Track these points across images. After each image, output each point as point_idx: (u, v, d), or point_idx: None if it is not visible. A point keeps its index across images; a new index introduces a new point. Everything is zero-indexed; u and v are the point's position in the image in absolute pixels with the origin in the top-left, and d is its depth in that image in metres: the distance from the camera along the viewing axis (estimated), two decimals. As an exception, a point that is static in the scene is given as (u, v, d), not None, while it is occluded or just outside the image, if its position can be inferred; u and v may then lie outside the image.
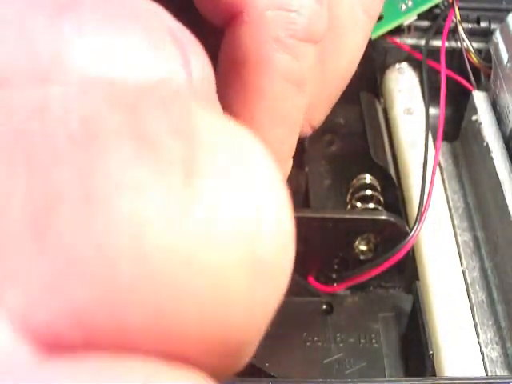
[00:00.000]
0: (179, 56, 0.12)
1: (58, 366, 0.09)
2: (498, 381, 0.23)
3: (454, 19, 0.32)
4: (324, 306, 0.28)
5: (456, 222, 0.30)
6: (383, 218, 0.27)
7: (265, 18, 0.19)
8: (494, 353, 0.26)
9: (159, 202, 0.10)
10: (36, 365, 0.09)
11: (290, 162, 0.22)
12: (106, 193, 0.09)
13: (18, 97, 0.10)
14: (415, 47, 0.33)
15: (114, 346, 0.10)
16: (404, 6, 0.32)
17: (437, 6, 0.33)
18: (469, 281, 0.28)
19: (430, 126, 0.30)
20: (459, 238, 0.29)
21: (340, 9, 0.23)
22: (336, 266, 0.28)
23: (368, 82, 0.32)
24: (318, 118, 0.25)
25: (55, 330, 0.09)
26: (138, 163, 0.10)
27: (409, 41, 0.33)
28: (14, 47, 0.11)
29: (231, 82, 0.20)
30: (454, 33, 0.33)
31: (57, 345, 0.09)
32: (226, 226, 0.10)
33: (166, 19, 0.13)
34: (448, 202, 0.30)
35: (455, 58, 0.32)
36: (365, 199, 0.29)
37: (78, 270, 0.09)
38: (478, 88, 0.32)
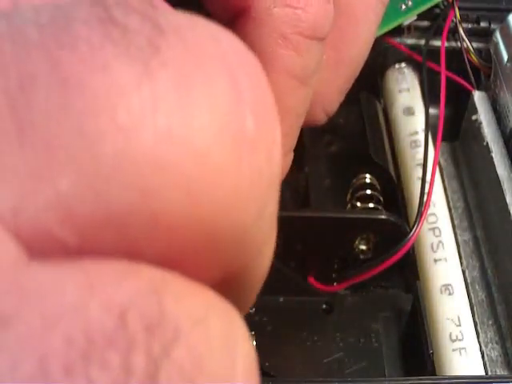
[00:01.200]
0: None
1: (48, 267, 0.09)
2: (498, 380, 0.23)
3: (454, 19, 0.32)
4: (324, 306, 0.28)
5: (456, 222, 0.30)
6: (383, 217, 0.27)
7: (271, 14, 0.19)
8: (494, 352, 0.26)
9: (131, 80, 0.09)
10: (23, 265, 0.09)
11: (292, 154, 0.22)
12: (79, 74, 0.09)
13: None
14: (415, 47, 0.33)
15: (106, 247, 0.09)
16: (404, 6, 0.32)
17: (437, 5, 0.33)
18: (469, 280, 0.28)
19: (429, 126, 0.30)
20: (459, 238, 0.29)
21: None
22: (336, 266, 0.28)
23: (368, 81, 0.32)
24: (332, 104, 0.25)
25: (44, 226, 0.09)
26: (105, 43, 0.09)
27: (409, 41, 0.33)
28: None
29: None
30: (453, 33, 0.33)
31: (49, 246, 0.09)
32: (202, 102, 0.10)
33: None
34: (448, 202, 0.30)
35: (455, 57, 0.32)
36: (365, 199, 0.29)
37: (60, 155, 0.09)
38: (478, 88, 0.32)
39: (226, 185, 0.10)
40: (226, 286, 0.11)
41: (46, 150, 0.09)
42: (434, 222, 0.28)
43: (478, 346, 0.25)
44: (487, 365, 0.25)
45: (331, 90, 0.25)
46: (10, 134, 0.09)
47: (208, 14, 0.20)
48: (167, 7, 0.12)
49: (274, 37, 0.19)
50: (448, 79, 0.31)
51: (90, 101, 0.09)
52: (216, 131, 0.10)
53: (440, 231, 0.28)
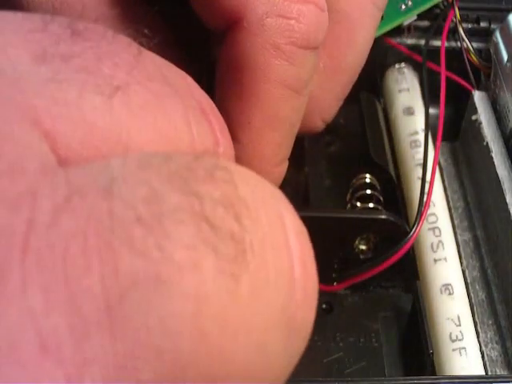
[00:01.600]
0: (209, 131, 0.14)
1: None
2: (498, 380, 0.23)
3: (454, 19, 0.32)
4: (324, 306, 0.28)
5: (456, 222, 0.30)
6: (383, 217, 0.27)
7: (264, 25, 0.19)
8: (494, 352, 0.26)
9: (215, 279, 0.10)
10: None
11: (286, 163, 0.22)
12: (170, 275, 0.10)
13: (84, 176, 0.11)
14: (415, 47, 0.33)
15: None
16: (404, 6, 0.32)
17: (437, 5, 0.33)
18: (469, 280, 0.28)
19: (429, 126, 0.30)
20: (459, 238, 0.29)
21: (347, 1, 0.23)
22: (336, 266, 0.28)
23: (368, 81, 0.32)
24: (330, 112, 0.25)
25: None
26: (196, 242, 0.10)
27: (409, 41, 0.33)
28: (72, 129, 0.12)
29: (229, 87, 0.20)
30: (453, 33, 0.33)
31: None
32: (269, 292, 0.11)
33: (197, 95, 0.14)
34: (448, 202, 0.30)
35: (455, 57, 0.32)
36: (365, 199, 0.29)
37: (145, 349, 0.10)
38: (478, 88, 0.32)
39: (278, 367, 0.12)
40: None
41: (133, 345, 0.10)
42: (434, 222, 0.28)
43: (477, 345, 0.25)
44: (487, 365, 0.25)
45: (328, 97, 0.25)
46: (104, 322, 0.10)
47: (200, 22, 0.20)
48: (230, 156, 0.14)
49: (266, 47, 0.19)
50: (448, 79, 0.31)
51: (177, 301, 0.10)
52: (276, 320, 0.11)
53: (440, 231, 0.28)
